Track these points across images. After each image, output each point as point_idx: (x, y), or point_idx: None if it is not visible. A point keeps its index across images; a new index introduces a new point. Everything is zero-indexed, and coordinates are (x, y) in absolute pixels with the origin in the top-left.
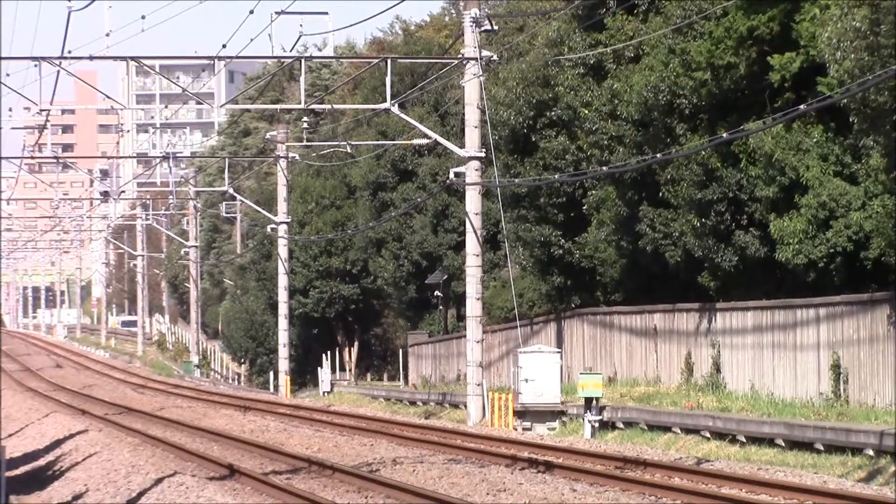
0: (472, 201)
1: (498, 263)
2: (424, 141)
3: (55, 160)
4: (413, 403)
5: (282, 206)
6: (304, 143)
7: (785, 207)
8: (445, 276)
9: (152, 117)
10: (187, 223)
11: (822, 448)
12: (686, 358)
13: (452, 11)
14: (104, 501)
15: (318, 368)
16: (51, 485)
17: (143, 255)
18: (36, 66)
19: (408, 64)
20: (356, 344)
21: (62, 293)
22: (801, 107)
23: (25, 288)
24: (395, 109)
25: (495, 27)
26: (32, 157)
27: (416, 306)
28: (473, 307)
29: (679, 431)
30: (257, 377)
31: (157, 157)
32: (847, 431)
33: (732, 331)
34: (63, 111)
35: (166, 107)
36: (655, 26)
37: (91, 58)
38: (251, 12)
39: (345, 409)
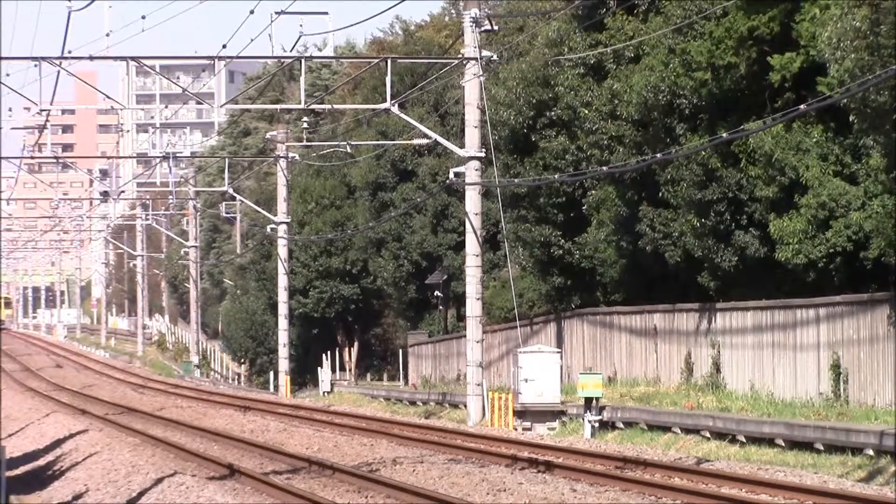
0: (472, 201)
1: (498, 263)
2: (424, 141)
3: (55, 160)
4: (413, 403)
5: (282, 206)
6: (304, 143)
7: (785, 207)
8: (445, 276)
9: (152, 117)
10: (187, 223)
11: (822, 448)
12: (686, 358)
13: (452, 11)
14: (104, 501)
15: (318, 368)
16: (51, 485)
17: (142, 255)
18: (36, 66)
19: (408, 64)
20: (356, 344)
21: (62, 293)
22: (801, 107)
23: (25, 288)
24: (395, 109)
25: (495, 27)
26: (32, 157)
27: (416, 306)
28: (473, 307)
29: (679, 431)
30: (257, 377)
31: (157, 157)
32: (847, 431)
33: (732, 331)
34: (63, 111)
35: (166, 107)
36: (655, 26)
37: (91, 58)
38: (251, 12)
39: (345, 409)
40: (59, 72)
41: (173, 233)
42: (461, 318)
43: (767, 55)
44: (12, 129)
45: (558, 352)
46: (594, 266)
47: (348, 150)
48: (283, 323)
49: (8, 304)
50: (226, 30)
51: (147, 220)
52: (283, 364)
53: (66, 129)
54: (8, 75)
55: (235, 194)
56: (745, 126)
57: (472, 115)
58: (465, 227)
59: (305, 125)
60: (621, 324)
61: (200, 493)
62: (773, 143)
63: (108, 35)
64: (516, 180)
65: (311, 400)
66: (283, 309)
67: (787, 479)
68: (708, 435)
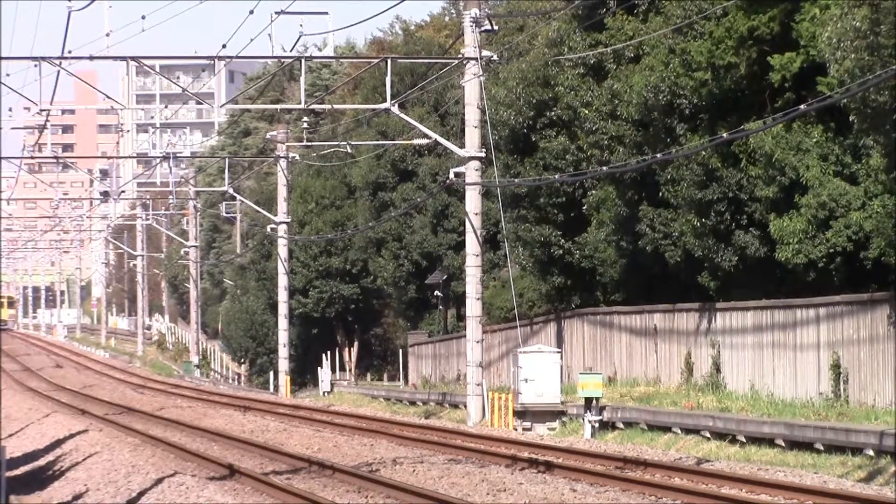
0: (472, 201)
1: (498, 263)
2: (424, 141)
3: (55, 160)
4: (413, 403)
5: (282, 206)
6: (304, 143)
7: (785, 207)
8: (445, 276)
9: (152, 117)
10: (187, 223)
11: (822, 448)
12: (686, 358)
13: (452, 11)
14: (104, 501)
15: (318, 368)
16: (51, 485)
17: (143, 255)
18: (36, 66)
19: (408, 64)
20: (356, 344)
21: (62, 293)
22: (801, 107)
23: (25, 288)
24: (395, 109)
25: (495, 27)
26: (32, 157)
27: (416, 306)
28: (473, 307)
29: (679, 431)
30: (257, 377)
31: (157, 157)
32: (847, 431)
33: (732, 331)
34: (63, 111)
35: (166, 107)
36: (655, 26)
37: (91, 58)
38: (251, 12)
39: (345, 409)
40: (59, 72)
41: (173, 233)
42: (461, 318)
43: (767, 55)
44: (12, 129)
45: (558, 352)
46: (594, 266)
47: (348, 150)
48: (283, 323)
49: (11, 304)
50: (226, 30)
51: (147, 220)
52: (283, 364)
53: (66, 129)
54: (8, 75)
55: (235, 194)
56: (745, 126)
57: (472, 115)
58: (465, 227)
59: (305, 125)
60: (621, 324)
61: (200, 494)
62: (773, 143)
63: (107, 35)
64: (516, 180)
65: (311, 400)
66: (283, 309)
67: (787, 479)
68: (708, 435)
